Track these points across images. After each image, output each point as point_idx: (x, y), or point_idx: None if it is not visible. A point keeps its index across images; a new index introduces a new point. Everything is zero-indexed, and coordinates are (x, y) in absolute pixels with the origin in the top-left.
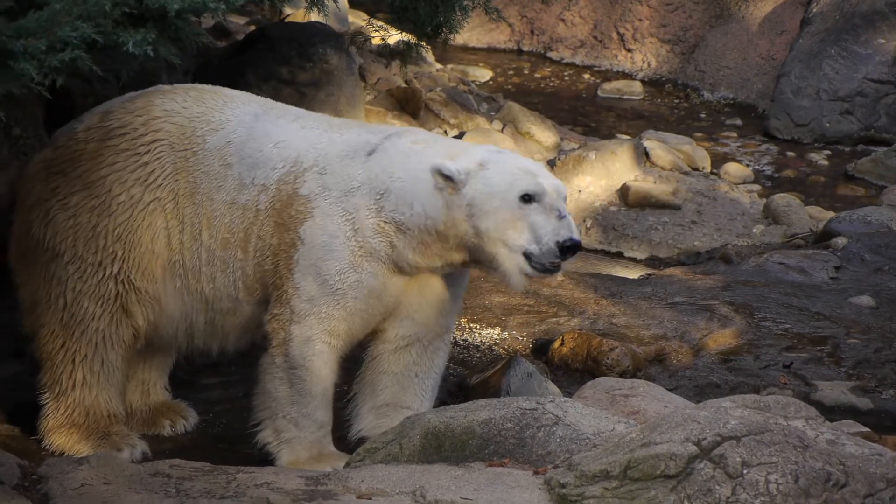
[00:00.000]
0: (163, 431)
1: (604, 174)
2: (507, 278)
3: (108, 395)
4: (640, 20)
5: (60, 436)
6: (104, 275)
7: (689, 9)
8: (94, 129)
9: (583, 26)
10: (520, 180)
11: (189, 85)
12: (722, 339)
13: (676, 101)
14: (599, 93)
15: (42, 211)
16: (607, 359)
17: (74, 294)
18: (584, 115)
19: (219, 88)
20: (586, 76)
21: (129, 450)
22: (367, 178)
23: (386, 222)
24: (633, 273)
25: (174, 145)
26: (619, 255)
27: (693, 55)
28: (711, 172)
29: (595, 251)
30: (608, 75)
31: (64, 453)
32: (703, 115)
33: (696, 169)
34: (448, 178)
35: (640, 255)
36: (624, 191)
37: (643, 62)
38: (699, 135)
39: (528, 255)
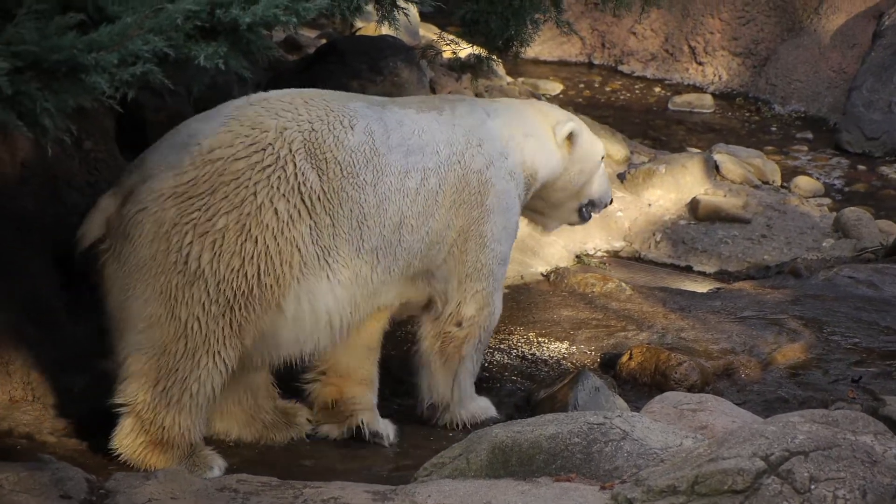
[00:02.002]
0: (304, 430)
1: (674, 187)
2: (552, 225)
3: (197, 416)
4: (712, 33)
5: (142, 453)
6: (236, 295)
7: (761, 22)
8: (223, 149)
9: (654, 39)
10: (600, 144)
11: (266, 94)
12: (791, 353)
13: (747, 114)
14: (670, 106)
15: (181, 235)
16: (675, 373)
17: (204, 314)
18: (654, 129)
19: (297, 91)
20: (657, 89)
21: (217, 467)
22: (508, 140)
23: (529, 175)
24: (702, 287)
25: (312, 151)
26: (688, 269)
27: (764, 68)
28: (782, 186)
29: (664, 265)
30: (679, 88)
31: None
32: (773, 129)
33: (767, 182)
34: (570, 137)
35: (710, 269)
36: (693, 204)
37: (714, 75)
38: (770, 148)
39: (587, 206)
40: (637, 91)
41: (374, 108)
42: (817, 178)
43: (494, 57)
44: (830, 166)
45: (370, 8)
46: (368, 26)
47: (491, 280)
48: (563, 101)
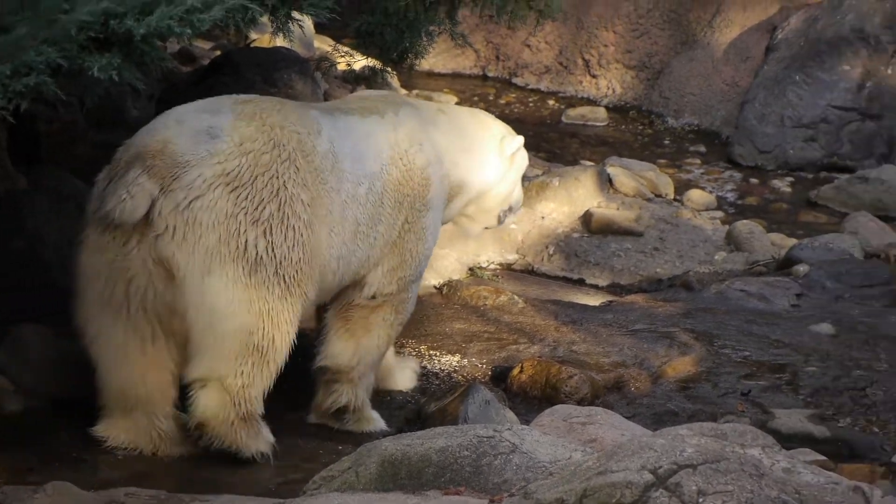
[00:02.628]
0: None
1: (567, 200)
2: (476, 229)
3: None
4: (606, 46)
5: (234, 430)
6: (292, 277)
7: (655, 35)
8: (251, 143)
9: (548, 52)
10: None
11: (239, 96)
12: (681, 366)
13: (640, 127)
14: (564, 119)
15: (237, 223)
16: (566, 386)
17: (272, 296)
18: (548, 142)
19: (262, 97)
20: (551, 102)
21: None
22: (444, 150)
23: (454, 187)
24: (595, 300)
25: (304, 152)
26: (580, 282)
27: (658, 81)
28: (675, 199)
29: (557, 278)
30: (573, 101)
31: (233, 446)
32: (666, 142)
33: (660, 195)
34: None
35: (602, 282)
36: (586, 217)
37: (608, 88)
38: (663, 161)
39: (506, 211)
40: (531, 104)
41: (327, 116)
42: (710, 192)
43: (389, 69)
44: (723, 179)
45: (264, 19)
46: (263, 38)
47: (415, 270)
48: None
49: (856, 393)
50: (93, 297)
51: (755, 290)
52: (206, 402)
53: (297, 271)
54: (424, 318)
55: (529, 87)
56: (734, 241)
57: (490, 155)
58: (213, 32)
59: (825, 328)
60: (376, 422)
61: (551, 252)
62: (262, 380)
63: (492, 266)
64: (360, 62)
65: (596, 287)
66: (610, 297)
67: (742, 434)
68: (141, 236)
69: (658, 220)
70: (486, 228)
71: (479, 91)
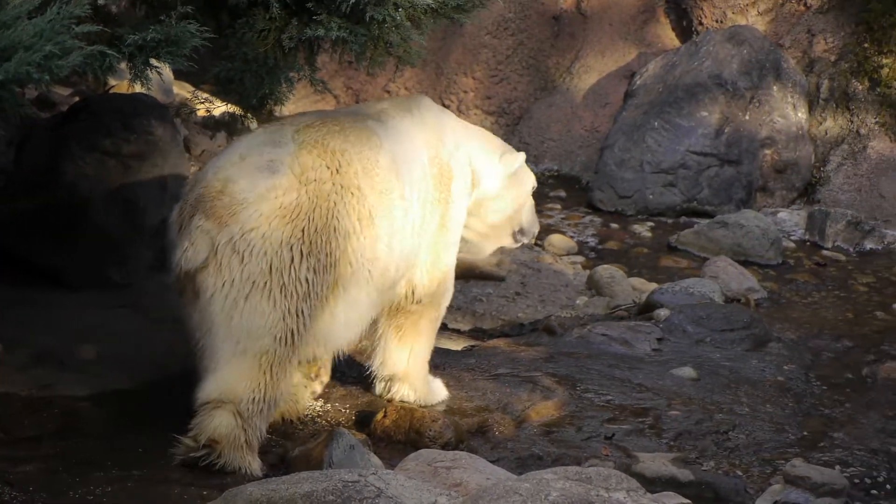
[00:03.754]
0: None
1: None
2: (489, 248)
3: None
4: (465, 92)
5: (241, 453)
6: (319, 307)
7: (514, 81)
8: (312, 172)
9: None
10: (532, 177)
11: (298, 117)
12: (544, 410)
13: None
14: None
15: (290, 252)
16: (430, 430)
17: (303, 325)
18: None
19: (321, 113)
20: None
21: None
22: (462, 142)
23: (475, 177)
24: (457, 344)
25: (367, 171)
26: (443, 327)
27: (518, 127)
28: (536, 244)
29: None
30: None
31: (235, 466)
32: None
33: None
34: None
35: (464, 327)
36: None
37: None
38: None
39: (518, 232)
40: None
41: (381, 126)
42: (571, 236)
43: (249, 115)
44: (584, 224)
45: (123, 66)
46: (121, 84)
47: (449, 261)
48: None
49: (718, 436)
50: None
51: (617, 335)
52: (220, 423)
53: (326, 298)
54: None
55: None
56: (595, 286)
57: (492, 163)
58: (72, 79)
59: (687, 372)
60: (439, 392)
61: None
62: (273, 405)
63: None
64: (219, 108)
65: (458, 331)
66: (472, 342)
67: (606, 478)
68: (198, 277)
69: (520, 265)
70: (506, 247)
71: None
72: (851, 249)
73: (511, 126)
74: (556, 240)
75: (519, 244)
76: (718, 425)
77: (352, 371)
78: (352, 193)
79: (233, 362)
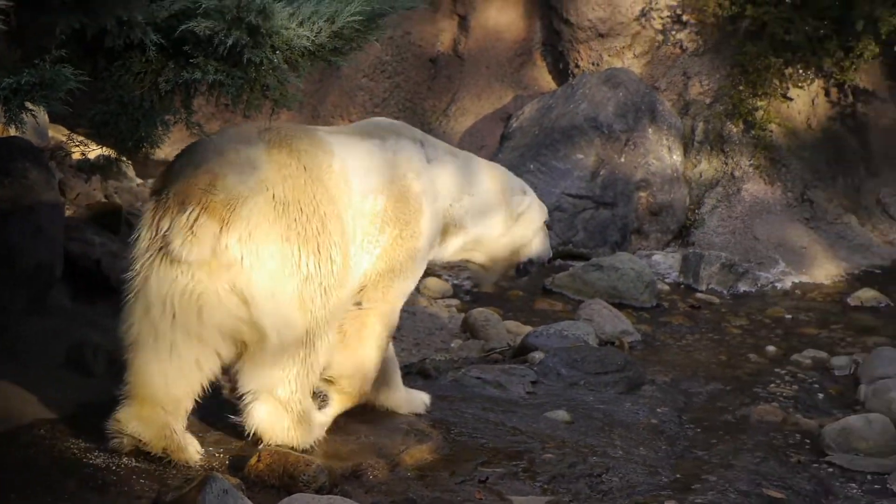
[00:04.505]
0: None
1: None
2: (491, 279)
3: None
4: None
5: (289, 432)
6: (333, 291)
7: None
8: (287, 168)
9: None
10: (544, 210)
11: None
12: (419, 454)
13: None
14: None
15: (291, 244)
16: (304, 475)
17: (318, 310)
18: None
19: (292, 125)
20: None
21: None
22: (448, 185)
23: (453, 221)
24: None
25: (343, 174)
26: None
27: None
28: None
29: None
30: None
31: (290, 446)
32: None
33: None
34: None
35: None
36: None
37: None
38: None
39: (526, 263)
40: None
41: (334, 137)
42: (446, 280)
43: (124, 158)
44: (459, 267)
45: None
46: None
47: (401, 287)
48: None
49: (592, 479)
50: (142, 313)
51: (491, 378)
52: (262, 415)
53: (334, 281)
54: None
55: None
56: (470, 329)
57: (495, 206)
58: None
59: (561, 415)
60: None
61: None
62: (308, 382)
63: None
64: (95, 151)
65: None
66: None
67: None
68: (210, 268)
69: None
70: (511, 279)
71: None
72: (725, 292)
73: None
74: (431, 283)
75: (526, 275)
76: (592, 468)
77: (225, 415)
78: (324, 189)
79: (279, 358)
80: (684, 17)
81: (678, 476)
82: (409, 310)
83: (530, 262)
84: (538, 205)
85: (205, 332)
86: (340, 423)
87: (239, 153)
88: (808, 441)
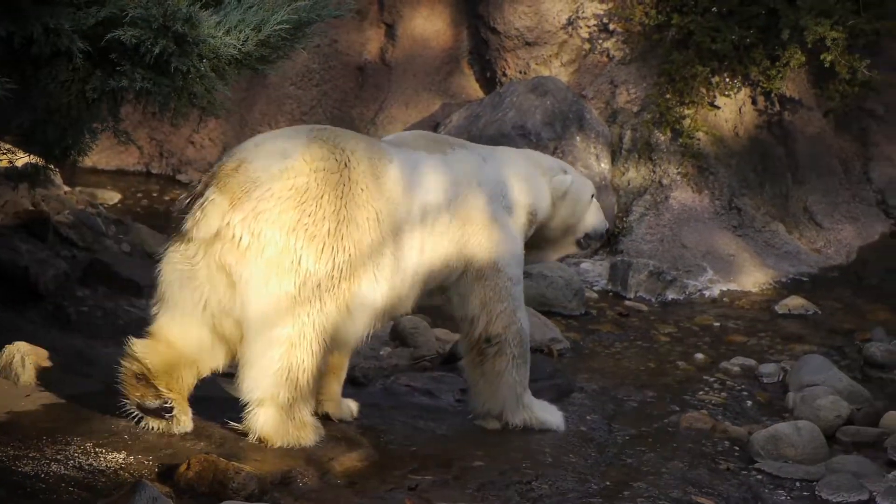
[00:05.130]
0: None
1: None
2: (553, 256)
3: (312, 396)
4: None
5: (293, 435)
6: (330, 292)
7: None
8: (322, 162)
9: (212, 148)
10: (589, 185)
11: (315, 125)
12: (348, 461)
13: None
14: None
15: (296, 238)
16: (233, 482)
17: (314, 310)
18: None
19: (336, 128)
20: None
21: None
22: (504, 181)
23: (530, 213)
24: None
25: (375, 174)
26: None
27: None
28: None
29: (224, 375)
30: None
31: (292, 446)
32: None
33: None
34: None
35: None
36: None
37: None
38: None
39: (584, 238)
40: None
41: (396, 148)
42: None
43: (52, 166)
44: None
45: None
46: None
47: (510, 300)
48: (122, 211)
49: (522, 486)
50: (166, 280)
51: (421, 385)
52: (265, 421)
53: (336, 286)
54: (90, 416)
55: (194, 183)
56: (399, 337)
57: (543, 188)
58: None
59: (491, 422)
60: (547, 423)
61: None
62: (307, 387)
63: None
64: (22, 159)
65: None
66: None
67: None
68: (207, 246)
69: None
70: (571, 255)
71: (143, 188)
72: (653, 300)
73: None
74: None
75: (587, 248)
76: (522, 475)
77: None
78: (361, 189)
79: (264, 356)
80: (611, 26)
81: (608, 483)
82: None
83: (587, 236)
84: (581, 181)
85: (198, 311)
86: None
87: (276, 144)
88: (736, 448)
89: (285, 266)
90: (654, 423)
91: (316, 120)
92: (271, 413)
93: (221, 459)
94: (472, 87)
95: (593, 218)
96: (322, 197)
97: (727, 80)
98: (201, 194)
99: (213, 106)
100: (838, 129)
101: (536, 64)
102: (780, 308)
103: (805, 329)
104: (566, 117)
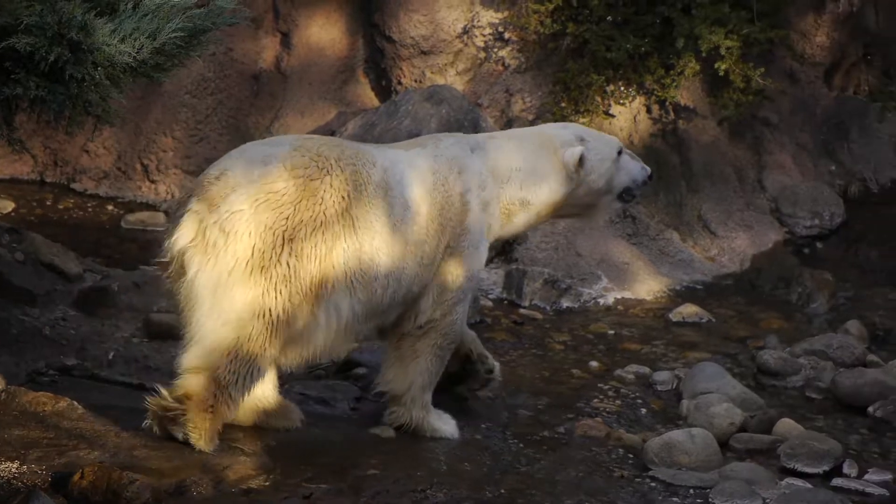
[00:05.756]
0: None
1: (127, 305)
2: (599, 219)
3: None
4: (164, 151)
5: (202, 412)
6: (302, 294)
7: (214, 140)
8: (303, 169)
9: (107, 157)
10: (613, 142)
11: (302, 135)
12: (243, 470)
13: None
14: (123, 224)
15: (273, 236)
16: (127, 491)
17: (280, 309)
18: (107, 247)
19: (326, 137)
20: (110, 207)
21: None
22: (493, 169)
23: (510, 204)
24: None
25: (356, 182)
26: (141, 387)
27: None
28: None
29: (119, 383)
30: (132, 206)
31: (195, 431)
32: None
33: None
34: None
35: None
36: (146, 323)
37: (167, 193)
38: None
39: (623, 193)
40: (90, 209)
41: (378, 149)
42: None
43: None
44: None
45: None
46: None
47: (458, 293)
48: (15, 220)
49: (416, 494)
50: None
51: (315, 394)
52: (197, 382)
53: (306, 288)
54: None
55: (88, 192)
56: None
57: (549, 170)
58: None
59: (385, 431)
60: (440, 431)
61: (111, 357)
62: (249, 380)
63: (51, 372)
64: None
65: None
66: None
67: None
68: (181, 255)
69: None
70: (617, 211)
71: (37, 197)
72: (548, 308)
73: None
74: None
75: (632, 201)
76: (417, 483)
77: (48, 432)
78: (342, 197)
79: (214, 334)
80: (506, 35)
81: (502, 491)
82: None
83: (627, 190)
84: (603, 141)
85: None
86: (164, 440)
87: (259, 151)
88: (631, 456)
89: (256, 262)
90: (549, 430)
91: (213, 129)
92: (203, 381)
93: (115, 469)
94: (367, 95)
95: (626, 173)
96: (300, 202)
97: (622, 88)
98: (183, 207)
99: (108, 114)
100: (732, 138)
101: (432, 73)
102: (675, 316)
103: (699, 337)
104: (462, 126)
